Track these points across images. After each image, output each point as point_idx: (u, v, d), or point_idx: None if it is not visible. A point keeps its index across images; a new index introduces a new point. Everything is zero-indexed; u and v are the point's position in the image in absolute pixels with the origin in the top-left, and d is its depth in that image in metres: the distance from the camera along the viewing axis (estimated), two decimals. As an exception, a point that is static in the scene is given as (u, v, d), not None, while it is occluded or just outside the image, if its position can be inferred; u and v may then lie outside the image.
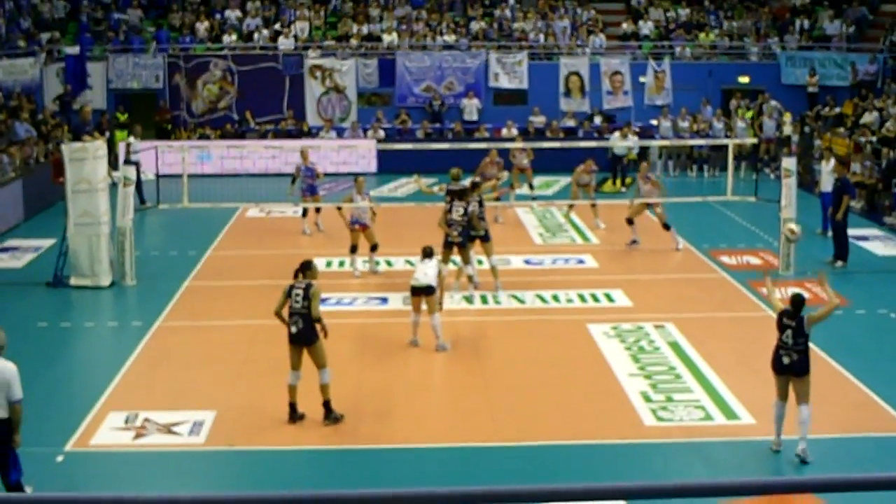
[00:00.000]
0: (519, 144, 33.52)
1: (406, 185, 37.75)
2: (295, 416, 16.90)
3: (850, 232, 29.39)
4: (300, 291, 16.77)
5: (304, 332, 16.74)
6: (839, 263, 26.24)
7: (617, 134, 37.94)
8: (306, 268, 17.24)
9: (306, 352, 16.89)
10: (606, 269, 26.04)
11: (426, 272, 20.11)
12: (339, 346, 20.42)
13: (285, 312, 16.80)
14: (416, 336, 20.42)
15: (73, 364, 20.40)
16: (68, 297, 24.24)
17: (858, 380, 18.62)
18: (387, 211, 30.80)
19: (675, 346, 20.39)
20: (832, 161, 30.17)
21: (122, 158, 28.26)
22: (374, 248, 25.66)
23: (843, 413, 17.36)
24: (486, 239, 24.16)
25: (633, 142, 37.43)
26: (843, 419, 17.10)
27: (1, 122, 34.77)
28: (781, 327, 15.90)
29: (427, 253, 20.42)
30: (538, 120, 42.40)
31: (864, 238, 29.38)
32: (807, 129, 40.93)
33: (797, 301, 16.06)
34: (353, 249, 25.49)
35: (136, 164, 27.19)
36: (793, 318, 15.85)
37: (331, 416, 16.84)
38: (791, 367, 15.71)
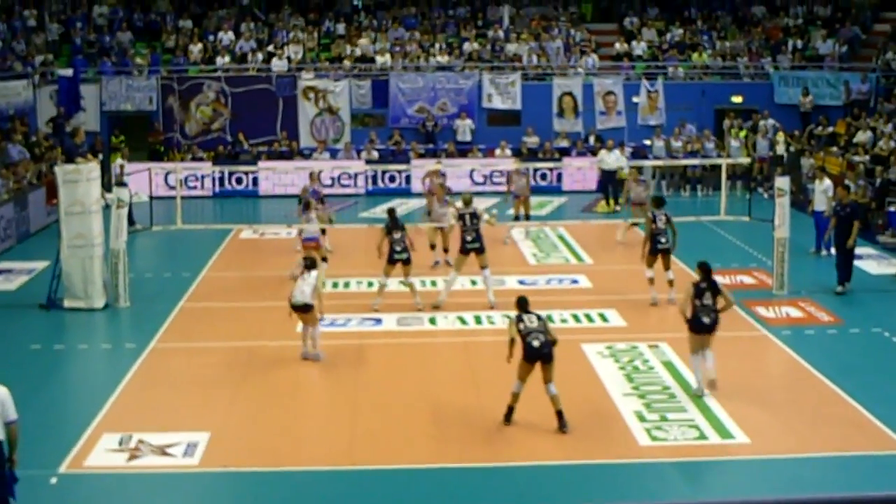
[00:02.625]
0: (515, 166, 33.32)
1: (399, 206, 37.72)
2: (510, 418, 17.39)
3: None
4: (534, 319, 17.23)
5: (547, 348, 17.06)
6: (842, 287, 26.00)
7: (603, 150, 37.96)
8: (523, 305, 17.69)
9: (540, 366, 17.19)
10: (600, 289, 26.02)
11: (303, 289, 20.43)
12: (334, 367, 20.46)
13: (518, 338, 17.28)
14: (307, 346, 20.90)
15: (66, 386, 20.35)
16: (62, 319, 24.20)
17: (853, 399, 18.60)
18: (380, 232, 30.81)
19: (669, 366, 20.37)
20: (825, 180, 30.20)
21: (114, 181, 28.26)
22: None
23: (837, 432, 17.34)
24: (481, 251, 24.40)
25: (616, 156, 37.39)
26: (837, 438, 17.08)
27: (-6, 144, 34.79)
28: (699, 292, 18.63)
29: (307, 265, 20.82)
30: (532, 140, 42.43)
31: (858, 257, 29.26)
32: (792, 148, 40.98)
33: (705, 267, 19.05)
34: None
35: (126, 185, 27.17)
36: (707, 282, 18.75)
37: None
38: (710, 326, 18.57)
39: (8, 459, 13.22)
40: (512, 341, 17.27)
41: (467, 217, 24.51)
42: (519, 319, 17.26)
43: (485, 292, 24.56)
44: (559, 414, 17.18)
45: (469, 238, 24.36)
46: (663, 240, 24.30)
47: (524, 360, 17.06)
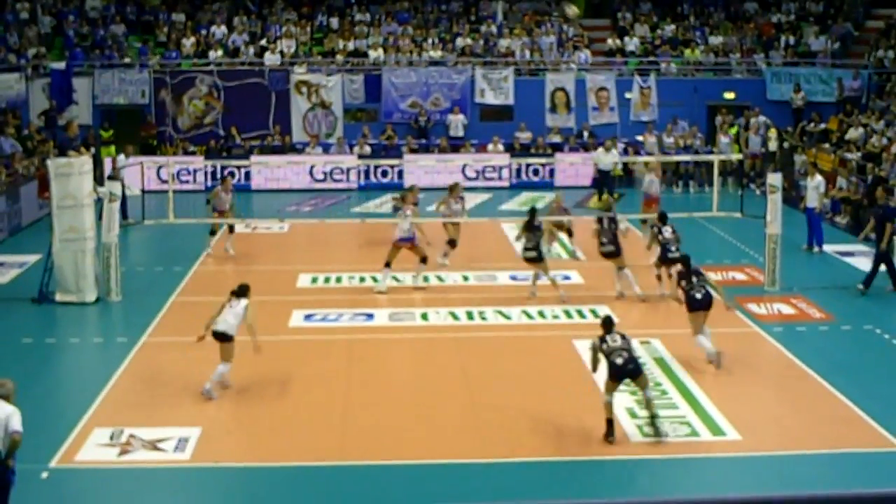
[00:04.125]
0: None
1: (391, 201, 37.78)
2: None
3: (835, 248, 29.53)
4: (617, 338, 17.06)
5: (632, 364, 16.95)
6: (863, 287, 25.92)
7: (601, 149, 37.88)
8: None
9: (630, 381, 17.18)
10: (592, 286, 26.03)
11: (226, 318, 18.77)
12: (326, 362, 20.45)
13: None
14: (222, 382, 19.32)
15: (58, 380, 20.33)
16: (53, 312, 24.18)
17: (844, 395, 18.62)
18: (371, 228, 30.84)
19: (661, 362, 20.40)
20: (817, 177, 30.25)
21: (107, 174, 28.22)
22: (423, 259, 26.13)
23: (828, 428, 17.37)
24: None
25: (616, 156, 37.34)
26: (828, 435, 17.10)
27: (-14, 137, 34.75)
28: (686, 277, 20.45)
29: (237, 292, 19.10)
30: (524, 136, 42.47)
31: (850, 254, 29.43)
32: (786, 144, 41.03)
33: (686, 260, 21.00)
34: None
35: (121, 180, 27.13)
36: (689, 269, 20.56)
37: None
38: (703, 300, 20.12)
39: (3, 461, 13.23)
40: (595, 358, 17.29)
41: (605, 221, 25.11)
42: (602, 341, 17.12)
43: (478, 288, 24.54)
44: (652, 419, 17.10)
45: (605, 240, 25.01)
46: (673, 248, 24.43)
47: (610, 379, 16.95)
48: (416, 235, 25.89)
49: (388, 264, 25.46)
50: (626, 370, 16.85)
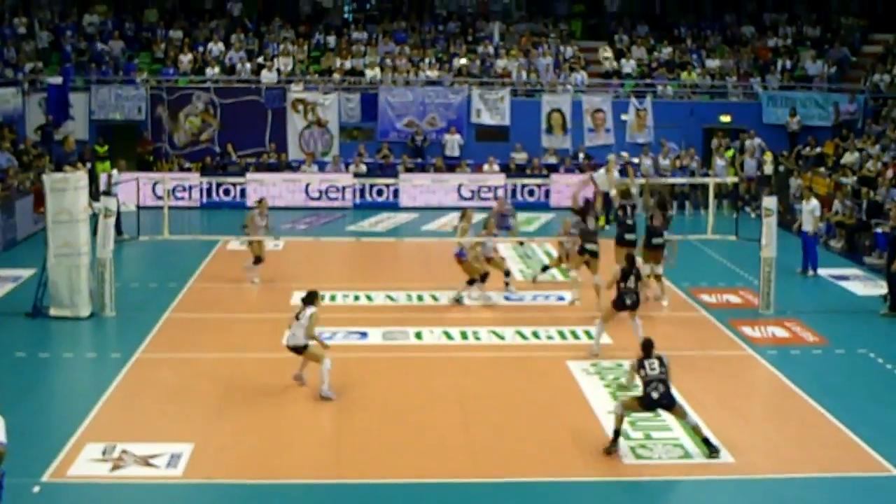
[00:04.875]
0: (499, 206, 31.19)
1: (386, 219, 37.84)
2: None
3: (830, 272, 29.55)
4: (656, 365, 17.06)
5: (667, 399, 16.99)
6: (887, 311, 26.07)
7: (602, 170, 37.79)
8: None
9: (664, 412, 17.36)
10: (587, 306, 26.00)
11: (294, 333, 19.49)
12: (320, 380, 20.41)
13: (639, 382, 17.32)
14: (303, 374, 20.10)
15: (51, 395, 20.27)
16: (47, 327, 24.14)
17: (838, 420, 18.59)
18: (367, 246, 30.84)
19: (654, 384, 20.36)
20: (812, 200, 30.30)
21: (102, 190, 28.22)
22: (471, 282, 26.21)
23: (822, 453, 17.34)
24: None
25: (618, 177, 37.25)
26: (822, 459, 17.08)
27: (-18, 151, 34.75)
28: (625, 276, 21.98)
29: (306, 299, 19.75)
30: (520, 157, 42.54)
31: (845, 278, 29.45)
32: (781, 167, 41.11)
33: (630, 259, 22.50)
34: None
35: (115, 196, 27.11)
36: (630, 271, 22.07)
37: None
38: (633, 304, 21.98)
39: None
40: (632, 378, 17.47)
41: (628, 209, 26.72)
42: (640, 365, 17.12)
43: (472, 308, 24.57)
44: (706, 441, 17.10)
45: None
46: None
47: (641, 407, 17.08)
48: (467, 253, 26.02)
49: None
50: (661, 404, 16.96)
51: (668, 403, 16.97)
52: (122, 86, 43.36)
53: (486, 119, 44.00)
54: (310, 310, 19.40)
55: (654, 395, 16.85)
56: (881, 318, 25.60)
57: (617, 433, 16.94)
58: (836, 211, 34.45)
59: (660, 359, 17.09)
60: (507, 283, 27.23)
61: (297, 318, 19.43)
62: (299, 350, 19.50)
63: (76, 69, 43.79)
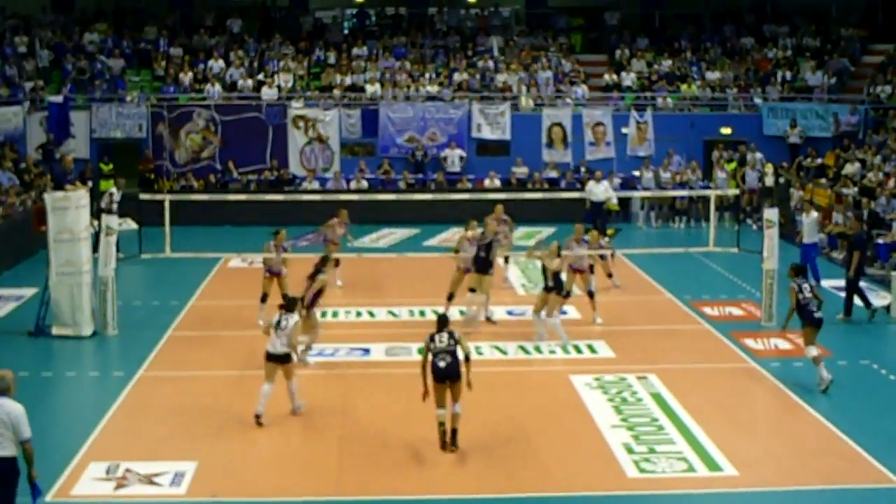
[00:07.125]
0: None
1: (388, 235, 37.81)
2: None
3: (833, 283, 29.51)
4: (444, 336, 17.80)
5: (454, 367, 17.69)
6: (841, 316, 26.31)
7: (591, 181, 37.88)
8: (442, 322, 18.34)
9: (448, 387, 17.73)
10: (589, 320, 26.00)
11: (278, 341, 19.05)
12: (322, 396, 20.40)
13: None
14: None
15: (54, 414, 20.24)
16: (50, 346, 24.15)
17: (841, 431, 18.59)
18: (367, 262, 30.82)
19: (657, 398, 20.36)
20: (813, 212, 30.32)
21: (103, 207, 28.24)
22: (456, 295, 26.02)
23: (825, 464, 17.32)
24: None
25: (605, 187, 37.31)
26: (825, 470, 17.06)
27: (-17, 170, 34.77)
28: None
29: (288, 305, 19.57)
30: (521, 171, 42.53)
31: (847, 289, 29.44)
32: (782, 179, 41.11)
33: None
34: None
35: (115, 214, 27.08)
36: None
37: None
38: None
39: (27, 475, 13.48)
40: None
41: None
42: (431, 339, 18.10)
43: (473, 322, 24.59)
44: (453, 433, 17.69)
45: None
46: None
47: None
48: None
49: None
50: (447, 375, 17.84)
51: (455, 376, 17.76)
52: (122, 104, 43.39)
53: (487, 133, 44.02)
54: (293, 318, 19.22)
55: (441, 364, 17.69)
56: (885, 329, 25.58)
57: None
58: (837, 222, 34.41)
59: (451, 334, 17.94)
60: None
61: (278, 325, 19.07)
62: (283, 359, 19.05)
63: (77, 87, 43.89)
